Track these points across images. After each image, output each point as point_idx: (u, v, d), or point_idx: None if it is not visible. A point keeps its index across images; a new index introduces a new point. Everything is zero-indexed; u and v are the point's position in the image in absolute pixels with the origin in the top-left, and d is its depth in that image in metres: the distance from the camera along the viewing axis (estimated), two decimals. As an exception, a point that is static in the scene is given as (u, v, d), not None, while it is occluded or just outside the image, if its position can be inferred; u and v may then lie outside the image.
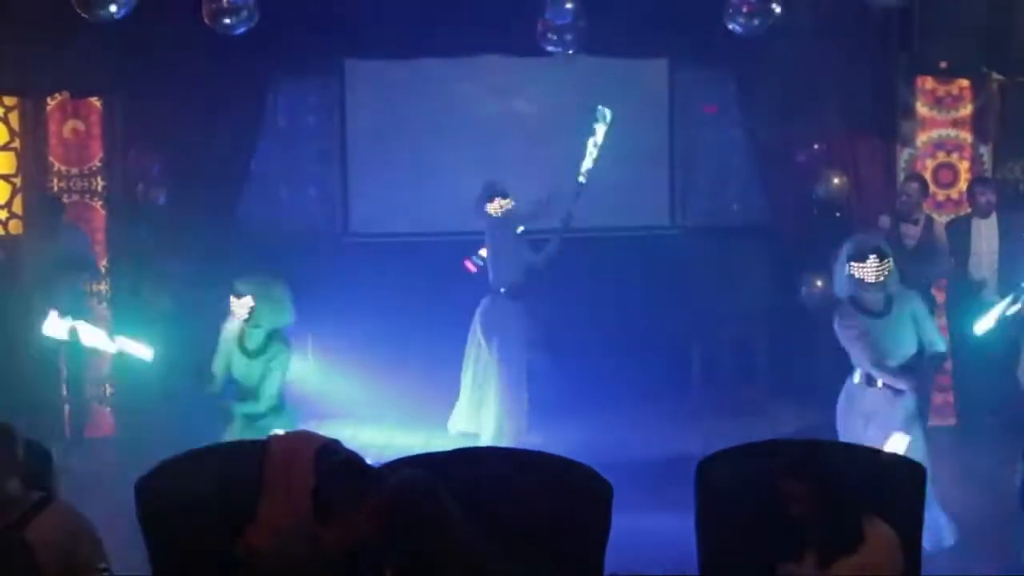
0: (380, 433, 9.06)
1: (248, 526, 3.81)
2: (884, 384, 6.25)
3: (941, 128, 9.08)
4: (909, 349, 6.32)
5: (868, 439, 5.90)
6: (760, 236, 10.11)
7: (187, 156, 9.08)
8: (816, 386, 9.01)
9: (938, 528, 6.30)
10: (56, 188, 9.17)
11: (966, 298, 8.40)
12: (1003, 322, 7.34)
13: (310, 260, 9.68)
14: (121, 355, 7.37)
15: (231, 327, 6.48)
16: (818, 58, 8.73)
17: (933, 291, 8.41)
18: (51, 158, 9.20)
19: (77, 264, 8.74)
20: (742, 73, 9.61)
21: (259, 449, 4.05)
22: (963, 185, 9.00)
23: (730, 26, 7.04)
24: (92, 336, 6.99)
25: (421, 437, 8.85)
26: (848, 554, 4.01)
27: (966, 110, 9.07)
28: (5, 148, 9.10)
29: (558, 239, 8.62)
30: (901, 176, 9.00)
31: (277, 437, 4.10)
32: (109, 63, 8.56)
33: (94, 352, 7.87)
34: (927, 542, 5.06)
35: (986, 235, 8.61)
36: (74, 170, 9.24)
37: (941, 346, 6.45)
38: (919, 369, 6.35)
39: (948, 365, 8.77)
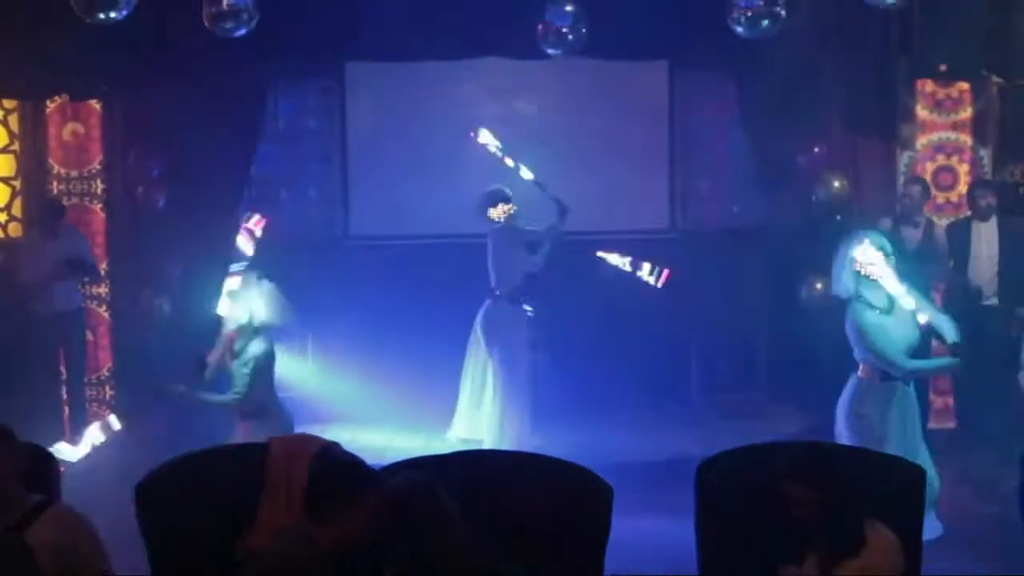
0: (379, 436, 9.06)
1: (248, 528, 3.81)
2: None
3: (941, 131, 9.08)
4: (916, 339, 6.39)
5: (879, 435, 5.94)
6: (760, 239, 10.11)
7: (187, 159, 9.08)
8: (816, 388, 9.03)
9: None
10: (55, 191, 9.18)
11: (964, 301, 8.40)
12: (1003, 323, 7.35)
13: (310, 263, 9.69)
14: (121, 355, 7.36)
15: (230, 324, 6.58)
16: (818, 61, 8.74)
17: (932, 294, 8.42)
18: (51, 161, 9.21)
19: (77, 267, 8.74)
20: (742, 76, 9.60)
21: (260, 451, 4.05)
22: (963, 188, 9.00)
23: (737, 30, 7.04)
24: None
25: (420, 440, 8.85)
26: (850, 557, 4.00)
27: (966, 113, 9.06)
28: (5, 151, 9.11)
29: (555, 234, 8.62)
30: (901, 179, 9.00)
31: (278, 439, 4.10)
32: (109, 66, 8.56)
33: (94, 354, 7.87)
34: None
35: (986, 238, 8.61)
36: (74, 173, 9.25)
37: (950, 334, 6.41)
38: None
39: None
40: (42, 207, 8.98)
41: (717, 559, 4.20)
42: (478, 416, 8.79)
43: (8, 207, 9.13)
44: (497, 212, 8.59)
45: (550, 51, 7.94)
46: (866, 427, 6.31)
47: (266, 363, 6.56)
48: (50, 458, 4.35)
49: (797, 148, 9.62)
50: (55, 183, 9.19)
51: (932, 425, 8.38)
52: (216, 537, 3.83)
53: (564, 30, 7.87)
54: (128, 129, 9.27)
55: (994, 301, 8.53)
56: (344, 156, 10.50)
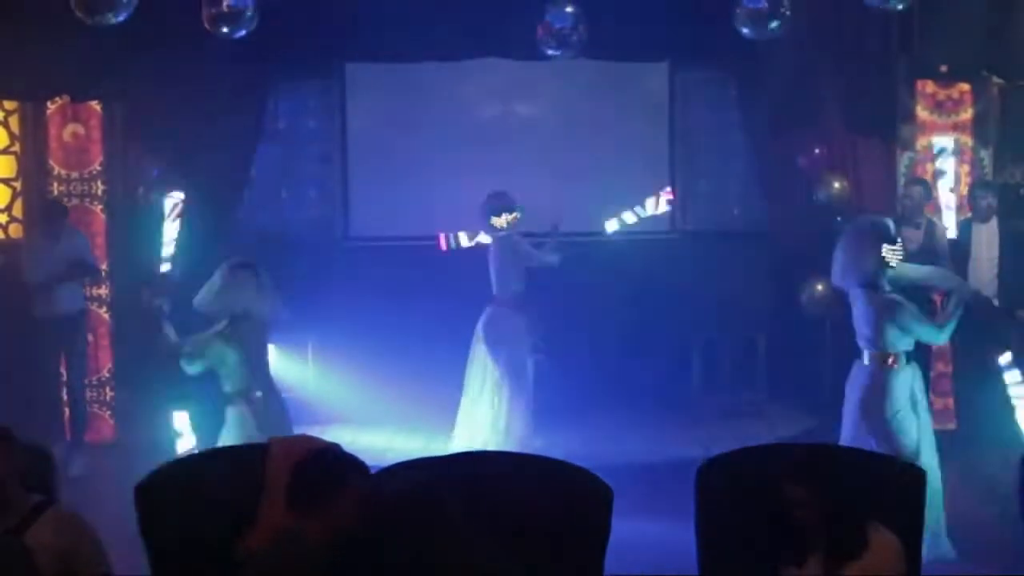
0: (380, 437, 9.07)
1: (248, 528, 3.81)
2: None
3: (941, 132, 9.08)
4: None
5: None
6: (760, 240, 10.12)
7: (187, 160, 9.08)
8: (817, 390, 9.03)
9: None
10: (56, 192, 9.17)
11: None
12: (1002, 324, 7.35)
13: (310, 264, 9.70)
14: (121, 355, 7.38)
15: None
16: (818, 61, 8.74)
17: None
18: (51, 162, 9.20)
19: (79, 268, 8.74)
20: (742, 77, 9.61)
21: (260, 452, 4.05)
22: (963, 189, 8.99)
23: (743, 31, 7.03)
24: None
25: (420, 441, 8.85)
26: (852, 559, 3.99)
27: (966, 114, 9.05)
28: (5, 152, 9.10)
29: (553, 244, 8.61)
30: (901, 180, 9.00)
31: (278, 440, 4.09)
32: (109, 67, 8.56)
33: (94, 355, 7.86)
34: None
35: (986, 239, 8.60)
36: (74, 174, 9.23)
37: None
38: None
39: (949, 368, 8.80)
40: (44, 208, 8.97)
41: (717, 561, 4.19)
42: (478, 424, 8.67)
43: (9, 208, 9.12)
44: (501, 221, 8.45)
45: (550, 52, 7.93)
46: (878, 412, 6.32)
47: (227, 345, 6.58)
48: (50, 459, 4.35)
49: (797, 149, 9.63)
50: (55, 184, 9.18)
51: (932, 426, 8.36)
52: (216, 537, 3.82)
53: (564, 31, 7.86)
54: (129, 130, 9.26)
55: (994, 303, 8.51)
56: (344, 156, 10.51)
